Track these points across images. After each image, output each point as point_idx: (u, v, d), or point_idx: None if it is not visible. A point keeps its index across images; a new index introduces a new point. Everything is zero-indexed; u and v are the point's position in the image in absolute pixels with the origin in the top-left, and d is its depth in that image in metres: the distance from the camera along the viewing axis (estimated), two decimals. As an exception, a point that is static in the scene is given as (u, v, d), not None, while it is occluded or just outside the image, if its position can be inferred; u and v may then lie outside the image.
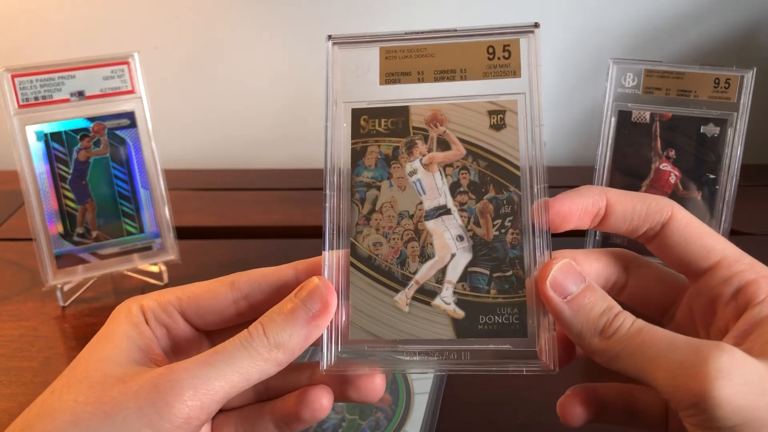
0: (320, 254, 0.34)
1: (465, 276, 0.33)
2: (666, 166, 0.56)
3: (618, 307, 0.30)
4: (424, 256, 0.34)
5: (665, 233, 0.32)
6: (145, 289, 0.63)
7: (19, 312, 0.60)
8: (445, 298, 0.33)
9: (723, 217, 0.55)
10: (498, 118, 0.34)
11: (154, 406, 0.29)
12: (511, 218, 0.33)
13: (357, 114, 0.35)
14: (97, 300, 0.62)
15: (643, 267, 0.35)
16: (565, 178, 0.80)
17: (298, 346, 0.31)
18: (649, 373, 0.28)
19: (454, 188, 0.34)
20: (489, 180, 0.34)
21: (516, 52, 0.34)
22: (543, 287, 0.31)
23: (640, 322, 0.30)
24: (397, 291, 0.33)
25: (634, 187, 0.57)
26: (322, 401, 0.33)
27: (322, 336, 0.32)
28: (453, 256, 0.33)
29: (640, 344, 0.29)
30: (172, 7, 0.88)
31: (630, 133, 0.56)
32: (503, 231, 0.33)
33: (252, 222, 0.77)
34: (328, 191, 0.34)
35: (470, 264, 0.33)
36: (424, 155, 0.35)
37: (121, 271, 0.62)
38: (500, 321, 0.32)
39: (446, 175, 0.34)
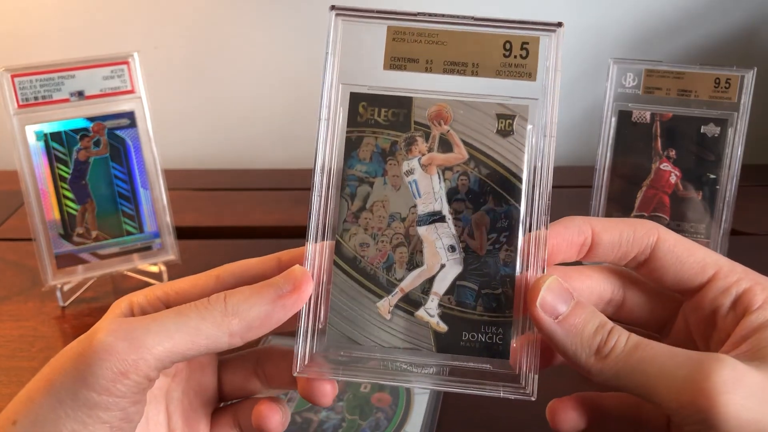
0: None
1: (452, 289, 0.31)
2: (666, 166, 0.56)
3: (610, 323, 0.30)
4: (412, 264, 0.32)
5: (656, 256, 0.32)
6: (145, 289, 0.63)
7: (19, 312, 0.60)
8: (429, 310, 0.32)
9: (723, 217, 0.55)
10: (506, 123, 0.32)
11: (87, 363, 0.28)
12: (506, 234, 0.31)
13: (356, 99, 0.32)
14: (97, 300, 0.62)
15: (639, 283, 0.34)
16: (565, 178, 0.80)
17: (257, 320, 0.30)
18: (651, 390, 0.28)
19: (452, 194, 0.32)
20: (489, 190, 0.32)
21: (534, 51, 0.32)
22: (533, 309, 0.30)
23: (635, 337, 0.29)
24: (380, 297, 0.32)
25: (635, 187, 0.57)
26: (275, 418, 0.33)
27: (297, 336, 0.31)
28: (442, 266, 0.32)
29: (639, 361, 0.28)
30: (172, 7, 0.88)
31: (630, 133, 0.56)
32: (497, 246, 0.31)
33: (252, 222, 0.77)
34: (317, 178, 0.32)
35: (459, 277, 0.32)
36: (423, 154, 0.32)
37: (120, 271, 0.62)
38: (483, 340, 0.31)
39: (444, 179, 0.32)
